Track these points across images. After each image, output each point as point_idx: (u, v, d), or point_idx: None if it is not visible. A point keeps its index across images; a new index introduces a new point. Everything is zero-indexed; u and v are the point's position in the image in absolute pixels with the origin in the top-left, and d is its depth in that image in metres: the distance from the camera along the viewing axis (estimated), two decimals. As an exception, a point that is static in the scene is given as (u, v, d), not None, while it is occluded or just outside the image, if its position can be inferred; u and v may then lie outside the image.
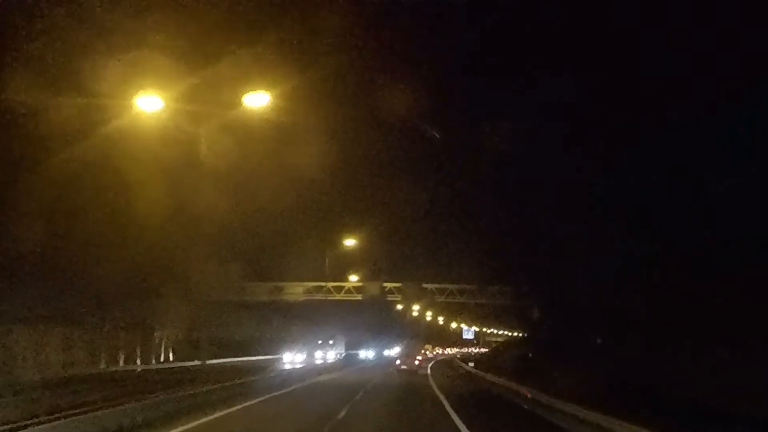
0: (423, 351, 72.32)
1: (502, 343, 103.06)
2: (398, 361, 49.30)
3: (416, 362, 48.71)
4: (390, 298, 48.19)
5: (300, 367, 43.03)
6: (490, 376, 30.18)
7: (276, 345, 50.55)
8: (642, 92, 21.65)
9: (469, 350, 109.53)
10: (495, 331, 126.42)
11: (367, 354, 69.87)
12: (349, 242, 43.01)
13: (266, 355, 51.38)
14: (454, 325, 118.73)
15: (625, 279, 25.72)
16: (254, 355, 50.26)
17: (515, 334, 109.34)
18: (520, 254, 37.22)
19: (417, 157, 37.45)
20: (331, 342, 56.60)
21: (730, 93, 18.66)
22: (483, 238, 40.81)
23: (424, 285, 47.33)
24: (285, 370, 40.30)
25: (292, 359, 49.21)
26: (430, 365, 59.88)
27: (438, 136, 30.43)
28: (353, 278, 48.71)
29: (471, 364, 46.75)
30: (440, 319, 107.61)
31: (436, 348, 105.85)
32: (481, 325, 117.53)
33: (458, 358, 75.53)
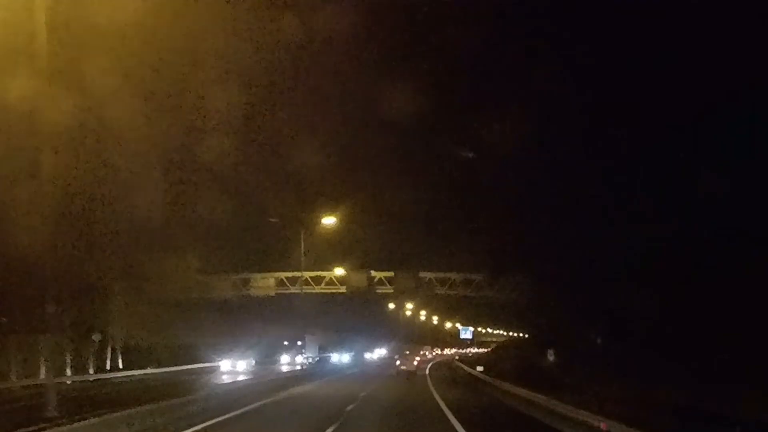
0: (422, 352, 73.61)
1: (503, 343, 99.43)
2: (398, 362, 47.36)
3: (415, 363, 46.92)
4: (379, 290, 39.92)
5: (246, 380, 29.56)
6: (515, 389, 21.69)
7: (230, 349, 39.67)
8: (642, 92, 22.04)
9: (467, 351, 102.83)
10: (491, 331, 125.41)
11: (341, 358, 57.85)
12: (329, 220, 34.51)
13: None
14: (448, 325, 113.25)
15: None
16: (209, 362, 40.02)
17: (512, 334, 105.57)
18: (536, 243, 34.53)
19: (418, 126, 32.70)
20: (300, 343, 45.85)
21: (730, 93, 18.79)
22: (494, 222, 39.08)
23: (422, 274, 39.25)
24: (223, 385, 27.71)
25: (232, 368, 38.63)
26: (428, 367, 55.39)
27: (474, 156, 29.69)
28: (339, 272, 40.68)
29: (480, 369, 38.37)
30: (435, 319, 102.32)
31: (435, 349, 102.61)
32: (476, 325, 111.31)
33: (458, 359, 67.88)
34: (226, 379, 30.87)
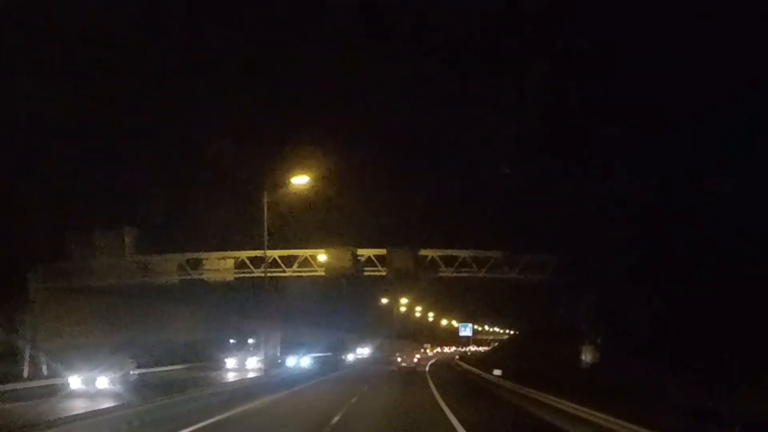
0: (422, 350, 76.66)
1: (505, 341, 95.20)
2: (399, 359, 48.76)
3: (415, 360, 48.73)
4: (368, 272, 31.20)
5: (95, 411, 15.20)
6: (597, 417, 12.86)
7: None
8: (642, 92, 22.29)
9: (466, 349, 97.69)
10: (487, 329, 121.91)
11: (298, 361, 43.41)
12: (301, 179, 26.19)
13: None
14: (444, 322, 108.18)
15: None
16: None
17: (509, 331, 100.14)
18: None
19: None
20: (252, 341, 35.39)
21: (730, 93, 19.02)
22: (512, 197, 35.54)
23: (422, 252, 30.72)
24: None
25: (88, 384, 26.28)
26: (429, 364, 53.89)
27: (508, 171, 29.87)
28: (317, 253, 32.25)
29: (497, 372, 29.87)
30: (430, 315, 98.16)
31: (435, 348, 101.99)
32: (472, 322, 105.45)
33: (458, 359, 60.87)
34: (81, 407, 16.95)
